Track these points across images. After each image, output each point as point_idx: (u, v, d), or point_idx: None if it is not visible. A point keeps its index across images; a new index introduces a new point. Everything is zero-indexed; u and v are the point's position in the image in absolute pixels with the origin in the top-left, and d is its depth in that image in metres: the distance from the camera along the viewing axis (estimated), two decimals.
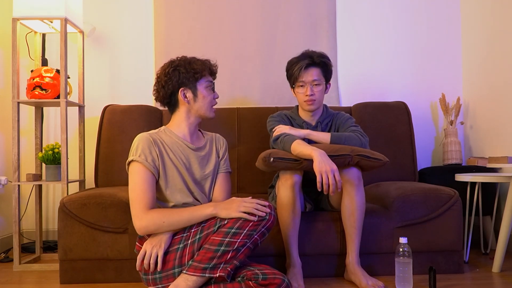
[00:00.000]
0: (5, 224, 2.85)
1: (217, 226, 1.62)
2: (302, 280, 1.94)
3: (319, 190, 1.84)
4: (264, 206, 1.63)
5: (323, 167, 1.83)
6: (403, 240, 1.86)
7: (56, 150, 2.48)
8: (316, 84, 2.15)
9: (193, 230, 1.67)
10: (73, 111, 2.87)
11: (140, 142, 1.73)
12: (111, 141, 2.62)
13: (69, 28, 2.58)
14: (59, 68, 2.49)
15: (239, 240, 1.59)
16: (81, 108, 2.69)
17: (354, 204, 1.97)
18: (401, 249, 1.85)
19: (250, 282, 1.62)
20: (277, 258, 2.09)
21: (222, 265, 1.59)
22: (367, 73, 3.09)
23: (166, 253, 1.66)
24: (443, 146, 2.92)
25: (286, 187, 1.95)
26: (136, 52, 3.05)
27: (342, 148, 1.94)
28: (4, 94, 2.87)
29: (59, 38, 2.56)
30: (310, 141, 2.07)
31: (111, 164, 2.60)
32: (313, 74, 2.14)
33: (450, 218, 2.12)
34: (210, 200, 1.86)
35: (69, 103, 2.53)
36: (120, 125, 2.64)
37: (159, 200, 1.78)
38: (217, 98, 1.88)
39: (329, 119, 2.24)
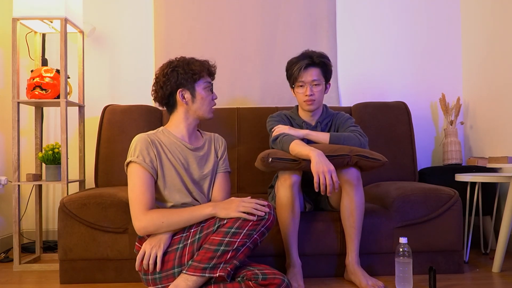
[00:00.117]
0: (5, 224, 2.85)
1: (216, 226, 1.62)
2: (302, 280, 1.94)
3: (316, 190, 1.85)
4: (263, 205, 1.63)
5: (320, 167, 1.83)
6: (403, 240, 1.86)
7: (56, 150, 2.48)
8: (315, 84, 2.14)
9: (192, 230, 1.67)
10: (73, 111, 2.87)
11: (138, 143, 1.73)
12: (111, 141, 2.62)
13: (69, 28, 2.58)
14: (59, 68, 2.49)
15: (238, 240, 1.59)
16: (81, 108, 2.70)
17: (353, 204, 1.96)
18: (401, 249, 1.85)
19: (250, 282, 1.62)
20: (277, 258, 2.09)
21: (222, 265, 1.59)
22: (367, 73, 3.09)
23: (165, 253, 1.66)
24: (443, 146, 2.92)
25: (285, 187, 1.95)
26: (136, 52, 3.05)
27: (340, 148, 1.93)
28: (4, 94, 2.88)
29: (59, 38, 2.56)
30: (309, 141, 2.06)
31: (111, 164, 2.60)
32: (312, 74, 2.14)
33: (450, 218, 2.12)
34: (209, 200, 1.86)
35: (69, 103, 2.53)
36: (120, 125, 2.64)
37: (158, 201, 1.77)
38: (215, 99, 1.88)
39: (328, 119, 2.24)
